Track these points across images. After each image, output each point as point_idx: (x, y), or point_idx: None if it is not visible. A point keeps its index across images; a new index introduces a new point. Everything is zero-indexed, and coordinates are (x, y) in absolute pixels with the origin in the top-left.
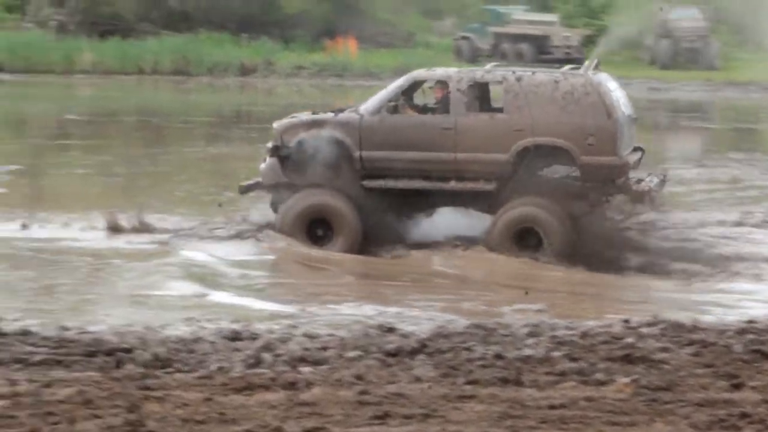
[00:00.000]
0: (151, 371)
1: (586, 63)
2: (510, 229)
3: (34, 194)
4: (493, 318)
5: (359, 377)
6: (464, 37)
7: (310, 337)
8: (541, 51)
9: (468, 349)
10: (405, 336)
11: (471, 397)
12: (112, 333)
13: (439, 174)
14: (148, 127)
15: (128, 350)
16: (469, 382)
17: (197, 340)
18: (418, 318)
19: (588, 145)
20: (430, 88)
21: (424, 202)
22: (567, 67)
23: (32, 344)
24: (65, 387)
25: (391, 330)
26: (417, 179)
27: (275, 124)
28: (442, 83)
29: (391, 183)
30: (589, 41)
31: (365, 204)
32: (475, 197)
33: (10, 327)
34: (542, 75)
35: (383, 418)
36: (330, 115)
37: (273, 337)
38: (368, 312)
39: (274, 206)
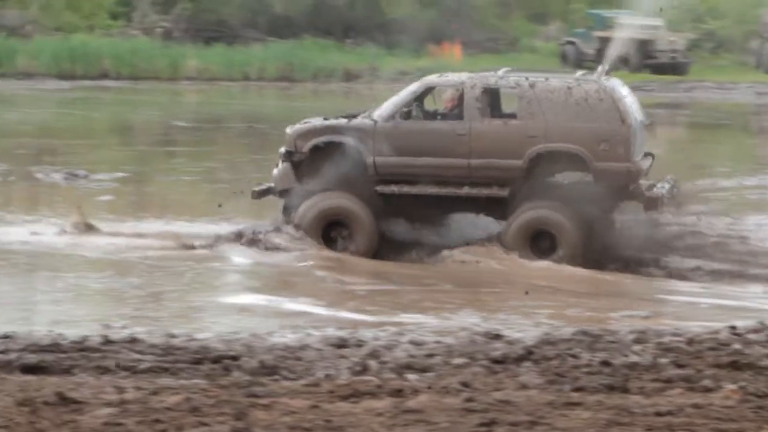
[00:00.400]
0: (257, 379)
1: (599, 69)
2: (526, 231)
3: (140, 201)
4: (598, 324)
5: (465, 384)
6: (569, 42)
7: (416, 344)
8: (646, 55)
9: (574, 356)
10: (511, 343)
11: (577, 404)
12: (218, 340)
13: (452, 180)
14: (254, 133)
15: (235, 358)
16: (576, 389)
17: (304, 347)
18: (522, 325)
19: (602, 150)
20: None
21: (437, 207)
22: (579, 73)
23: (139, 352)
24: (172, 394)
25: (497, 337)
26: (430, 185)
27: (288, 129)
28: (456, 89)
29: (404, 189)
30: (695, 45)
31: (380, 208)
32: (488, 203)
33: (118, 335)
34: (555, 81)
35: (489, 425)
36: (343, 120)
37: (379, 344)
38: (473, 319)
39: (287, 211)
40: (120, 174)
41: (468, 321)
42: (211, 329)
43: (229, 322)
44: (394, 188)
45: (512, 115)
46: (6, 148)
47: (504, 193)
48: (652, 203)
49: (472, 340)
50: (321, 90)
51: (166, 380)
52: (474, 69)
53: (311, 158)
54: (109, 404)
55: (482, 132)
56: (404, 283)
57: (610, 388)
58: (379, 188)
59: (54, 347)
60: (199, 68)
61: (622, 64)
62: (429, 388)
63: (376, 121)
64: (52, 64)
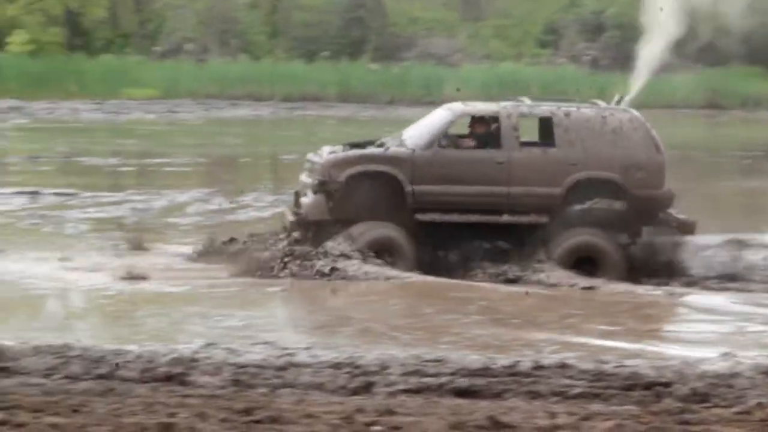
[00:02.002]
0: (689, 406)
1: (615, 98)
2: (570, 257)
3: None
4: None
5: None
6: None
7: None
8: None
9: None
10: None
11: None
12: (649, 367)
13: (491, 207)
14: (683, 159)
15: (666, 384)
16: None
17: (735, 375)
18: None
19: (638, 178)
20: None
21: (476, 235)
22: (600, 103)
23: (570, 377)
24: (603, 420)
25: None
26: (469, 213)
27: (322, 160)
28: (491, 118)
29: (445, 217)
30: None
31: (420, 236)
32: (525, 230)
33: (548, 360)
34: (588, 110)
35: None
36: (378, 150)
37: None
38: None
39: (316, 242)
40: None
41: None
42: (642, 355)
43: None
44: (434, 216)
45: (550, 144)
46: None
47: (543, 220)
48: (688, 228)
49: None
50: (750, 118)
51: (597, 406)
52: None
53: (346, 188)
54: (540, 429)
55: (521, 160)
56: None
57: None
58: (420, 216)
59: (485, 371)
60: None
61: None
62: None
63: (413, 150)
64: (479, 92)
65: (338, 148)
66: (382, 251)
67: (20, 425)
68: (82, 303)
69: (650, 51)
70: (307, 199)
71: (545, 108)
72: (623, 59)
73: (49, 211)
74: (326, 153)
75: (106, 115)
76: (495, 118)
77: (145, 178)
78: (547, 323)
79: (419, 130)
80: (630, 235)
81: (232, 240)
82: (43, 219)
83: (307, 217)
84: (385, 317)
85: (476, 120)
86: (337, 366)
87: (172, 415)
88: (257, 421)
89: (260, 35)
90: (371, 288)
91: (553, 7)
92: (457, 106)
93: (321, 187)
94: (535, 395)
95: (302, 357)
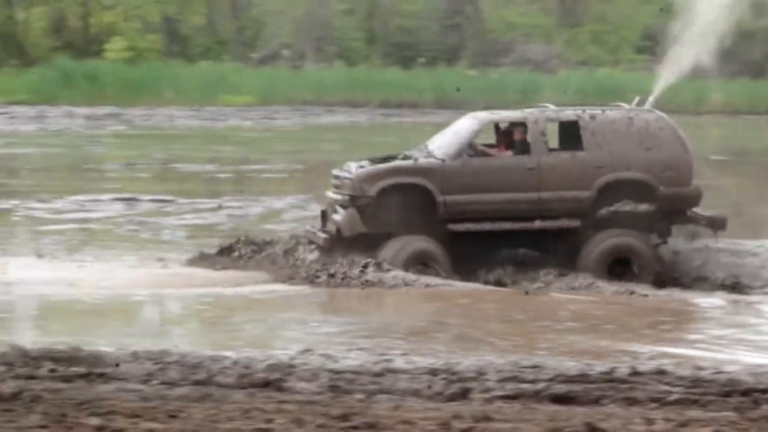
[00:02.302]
0: None
1: (636, 100)
2: (606, 259)
3: None
4: None
5: None
6: None
7: None
8: None
9: None
10: None
11: None
12: (747, 373)
13: (523, 214)
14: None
15: (764, 391)
16: None
17: None
18: None
19: (666, 177)
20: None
21: (509, 242)
22: (621, 104)
23: (668, 383)
24: (701, 426)
25: None
26: (501, 220)
27: (351, 175)
28: (519, 124)
29: (478, 226)
30: None
31: (453, 246)
32: (557, 235)
33: (645, 366)
34: (614, 112)
35: None
36: (408, 162)
37: None
38: None
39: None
40: None
41: None
42: (739, 362)
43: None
44: (468, 226)
45: (578, 147)
46: None
47: (575, 224)
48: (719, 223)
49: None
50: None
51: (694, 412)
52: None
53: (378, 202)
54: None
55: (551, 165)
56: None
57: None
58: (452, 227)
59: (582, 377)
60: (724, 101)
61: None
62: None
63: (443, 160)
64: (576, 97)
65: (365, 162)
66: (421, 264)
67: (118, 431)
68: (179, 309)
69: (677, 55)
70: (338, 216)
71: (570, 112)
72: (724, 64)
73: (146, 217)
74: (354, 168)
75: (203, 122)
76: (523, 124)
77: (242, 184)
78: (637, 329)
79: (446, 139)
80: (660, 235)
81: (231, 246)
82: (140, 225)
83: (342, 233)
84: (480, 323)
85: (505, 127)
86: (433, 372)
87: (269, 421)
88: (354, 427)
89: (356, 41)
90: (451, 294)
91: (650, 13)
92: (483, 115)
93: (352, 202)
94: (632, 401)
95: (399, 363)
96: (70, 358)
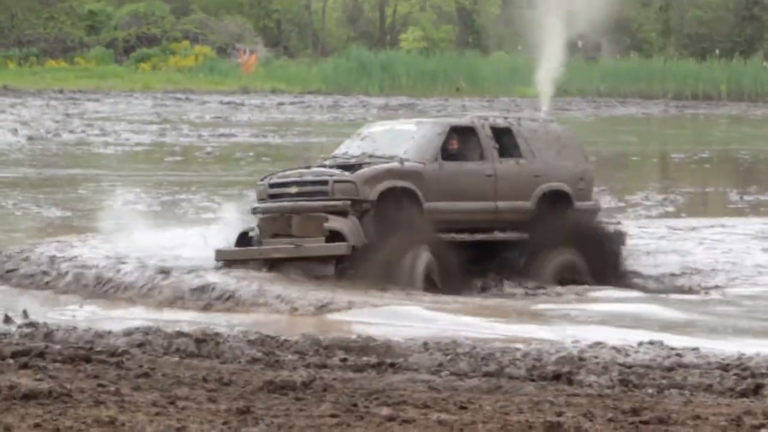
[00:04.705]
0: None
1: (543, 108)
2: (557, 274)
3: None
4: None
5: None
6: None
7: None
8: None
9: None
10: None
11: None
12: None
13: (485, 224)
14: None
15: None
16: None
17: None
18: None
19: (579, 189)
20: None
21: (489, 251)
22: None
23: None
24: None
25: None
26: (467, 231)
27: (355, 177)
28: (468, 129)
29: (458, 237)
30: None
31: (445, 255)
32: (513, 248)
33: None
34: (532, 122)
35: None
36: (396, 164)
37: None
38: None
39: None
40: None
41: None
42: None
43: None
44: (451, 236)
45: (517, 155)
46: None
47: (526, 236)
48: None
49: None
50: None
51: None
52: None
53: (378, 206)
54: None
55: (503, 172)
56: None
57: None
58: (443, 236)
59: None
60: None
61: None
62: None
63: (424, 164)
64: None
65: (316, 169)
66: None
67: (408, 421)
68: None
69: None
70: (338, 224)
71: (501, 120)
72: None
73: None
74: (337, 172)
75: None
76: (472, 130)
77: None
78: None
79: (411, 143)
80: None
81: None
82: None
83: (351, 242)
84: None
85: (456, 131)
86: (725, 368)
87: (558, 414)
88: (644, 422)
89: (652, 33)
90: None
91: None
92: (445, 120)
93: (356, 208)
94: None
95: (690, 358)
96: (362, 347)
